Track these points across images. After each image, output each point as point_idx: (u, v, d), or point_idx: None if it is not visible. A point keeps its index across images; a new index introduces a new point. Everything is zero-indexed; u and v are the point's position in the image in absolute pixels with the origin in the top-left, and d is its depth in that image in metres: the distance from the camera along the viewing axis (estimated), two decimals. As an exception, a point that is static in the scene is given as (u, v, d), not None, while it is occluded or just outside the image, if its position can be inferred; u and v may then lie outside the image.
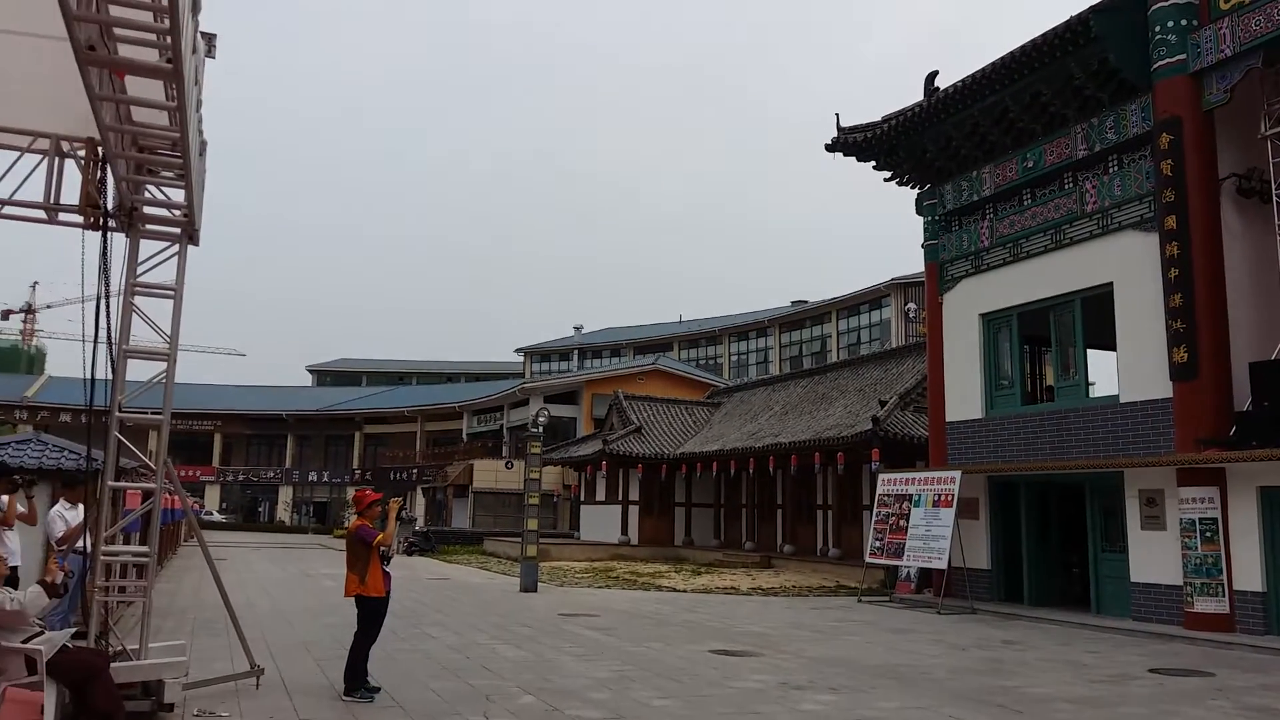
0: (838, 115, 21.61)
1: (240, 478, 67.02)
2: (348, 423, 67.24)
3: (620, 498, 35.00)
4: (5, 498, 9.08)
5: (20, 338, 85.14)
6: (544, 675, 9.58)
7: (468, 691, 8.64)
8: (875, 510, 20.10)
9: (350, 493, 59.93)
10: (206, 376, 63.86)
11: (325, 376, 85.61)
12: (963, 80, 18.75)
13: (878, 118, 21.23)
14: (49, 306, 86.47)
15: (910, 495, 19.08)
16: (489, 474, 48.34)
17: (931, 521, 18.19)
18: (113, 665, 6.89)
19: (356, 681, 8.19)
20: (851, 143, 21.45)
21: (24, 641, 6.44)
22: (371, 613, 8.42)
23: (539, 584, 19.98)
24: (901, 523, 18.95)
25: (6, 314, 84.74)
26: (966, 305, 19.83)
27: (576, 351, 75.53)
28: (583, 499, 39.10)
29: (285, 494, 66.27)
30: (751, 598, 19.60)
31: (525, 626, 13.70)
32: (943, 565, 17.67)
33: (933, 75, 20.11)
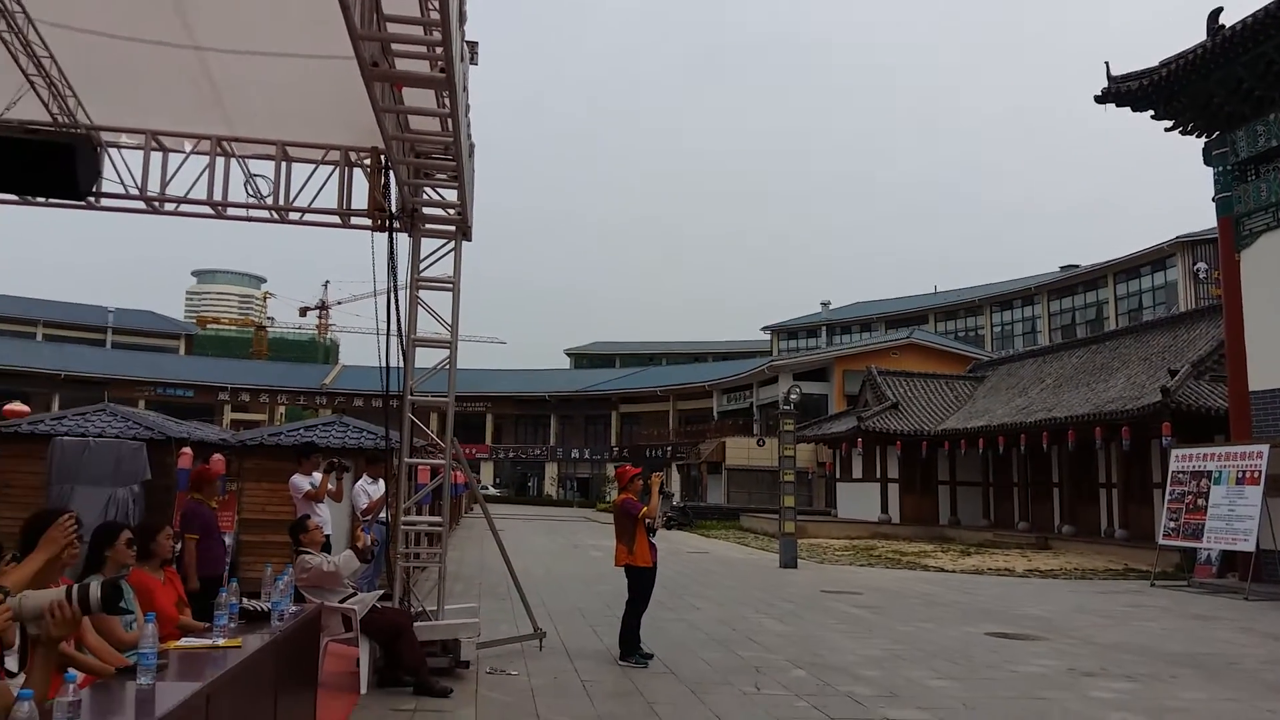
0: (1107, 64, 19.75)
1: (510, 455, 71.54)
2: (604, 403, 69.95)
3: (878, 475, 34.14)
4: (318, 475, 10.16)
5: (316, 332, 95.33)
6: (812, 650, 9.52)
7: (737, 663, 8.75)
8: (1169, 489, 18.38)
9: (610, 469, 62.81)
10: (474, 362, 68.45)
11: (582, 359, 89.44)
12: (1254, 15, 16.55)
13: (1154, 63, 19.21)
14: (339, 303, 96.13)
15: (1209, 472, 17.28)
16: (741, 451, 48.67)
17: (1235, 500, 16.38)
18: (415, 624, 7.55)
19: (630, 648, 8.51)
20: (1125, 92, 19.54)
21: (340, 602, 7.19)
22: (640, 582, 8.70)
23: (798, 560, 19.92)
24: (1200, 501, 17.21)
25: (304, 311, 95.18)
26: (1270, 262, 17.59)
27: (824, 328, 74.36)
28: (838, 476, 38.51)
29: (551, 470, 70.05)
30: (1028, 580, 18.54)
31: (788, 602, 13.69)
32: (1249, 547, 15.89)
33: (1216, 12, 17.89)
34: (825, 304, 77.96)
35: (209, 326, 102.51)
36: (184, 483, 11.39)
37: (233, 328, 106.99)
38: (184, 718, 3.05)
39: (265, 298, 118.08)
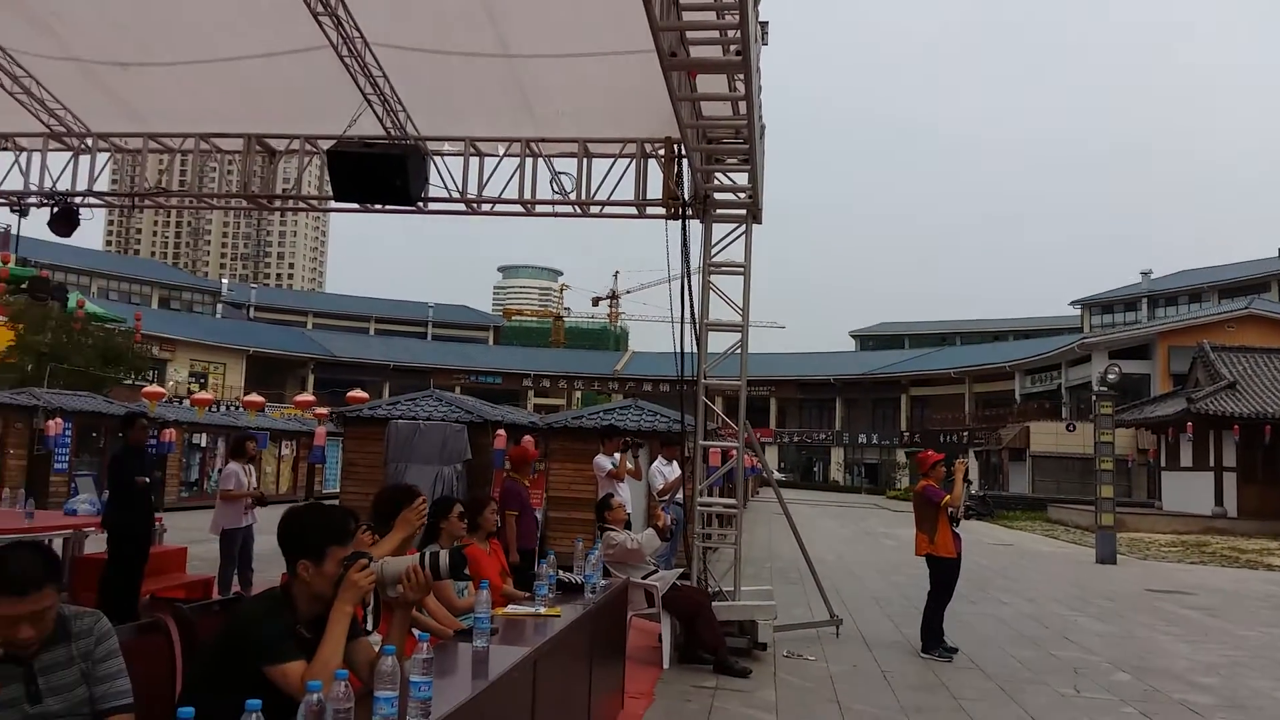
0: None
1: (794, 439, 71.30)
2: (893, 385, 67.87)
3: (1211, 464, 30.57)
4: (617, 455, 10.62)
5: (608, 320, 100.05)
6: (1136, 653, 8.71)
7: (1051, 662, 8.17)
8: None
9: (899, 455, 60.87)
10: (754, 346, 68.76)
11: (867, 341, 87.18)
12: None
13: None
14: (628, 292, 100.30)
15: None
16: (1048, 436, 45.52)
17: None
18: (713, 604, 7.70)
19: (933, 640, 8.18)
20: None
21: (643, 578, 7.46)
22: (943, 573, 8.32)
23: (1117, 555, 18.31)
24: None
25: (596, 301, 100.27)
26: None
27: (1145, 300, 67.66)
28: (1163, 465, 34.97)
29: (836, 455, 69.02)
30: (1403, 587, 15.92)
31: (1107, 600, 12.60)
32: None
33: None
34: (1145, 273, 70.75)
35: (513, 318, 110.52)
36: (499, 461, 12.35)
37: (533, 319, 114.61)
38: (516, 679, 3.29)
39: (562, 290, 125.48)
